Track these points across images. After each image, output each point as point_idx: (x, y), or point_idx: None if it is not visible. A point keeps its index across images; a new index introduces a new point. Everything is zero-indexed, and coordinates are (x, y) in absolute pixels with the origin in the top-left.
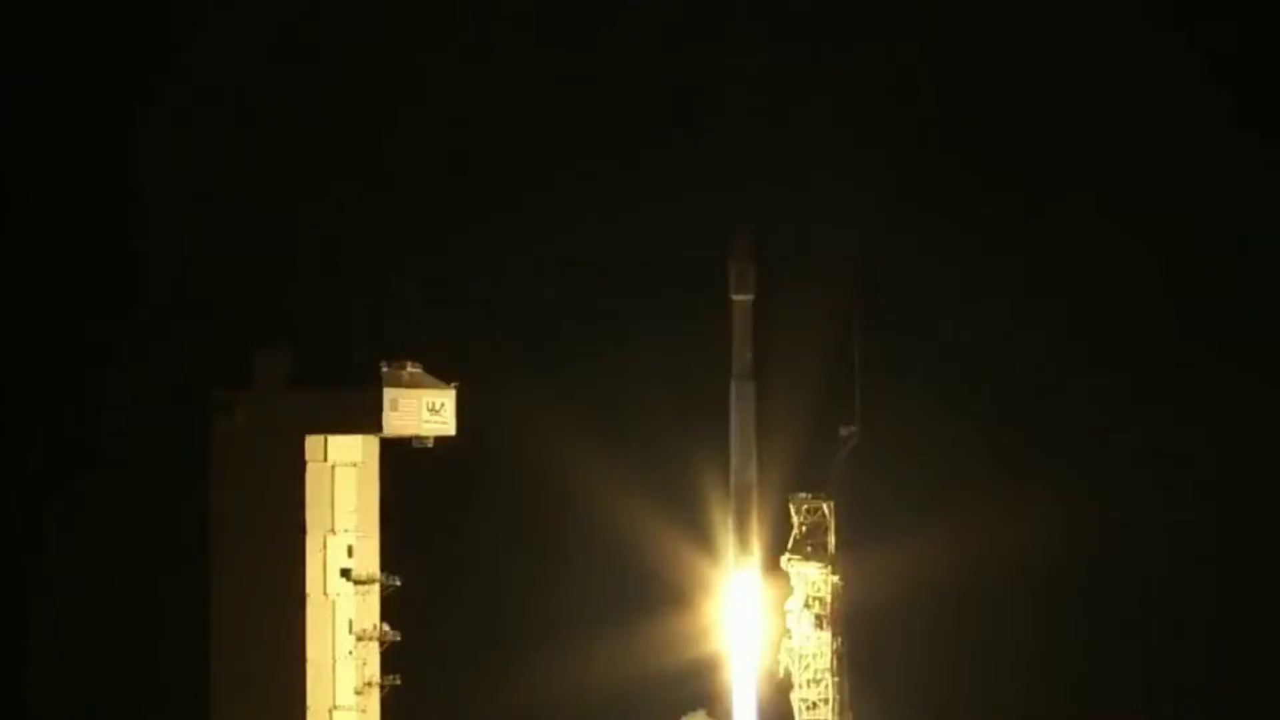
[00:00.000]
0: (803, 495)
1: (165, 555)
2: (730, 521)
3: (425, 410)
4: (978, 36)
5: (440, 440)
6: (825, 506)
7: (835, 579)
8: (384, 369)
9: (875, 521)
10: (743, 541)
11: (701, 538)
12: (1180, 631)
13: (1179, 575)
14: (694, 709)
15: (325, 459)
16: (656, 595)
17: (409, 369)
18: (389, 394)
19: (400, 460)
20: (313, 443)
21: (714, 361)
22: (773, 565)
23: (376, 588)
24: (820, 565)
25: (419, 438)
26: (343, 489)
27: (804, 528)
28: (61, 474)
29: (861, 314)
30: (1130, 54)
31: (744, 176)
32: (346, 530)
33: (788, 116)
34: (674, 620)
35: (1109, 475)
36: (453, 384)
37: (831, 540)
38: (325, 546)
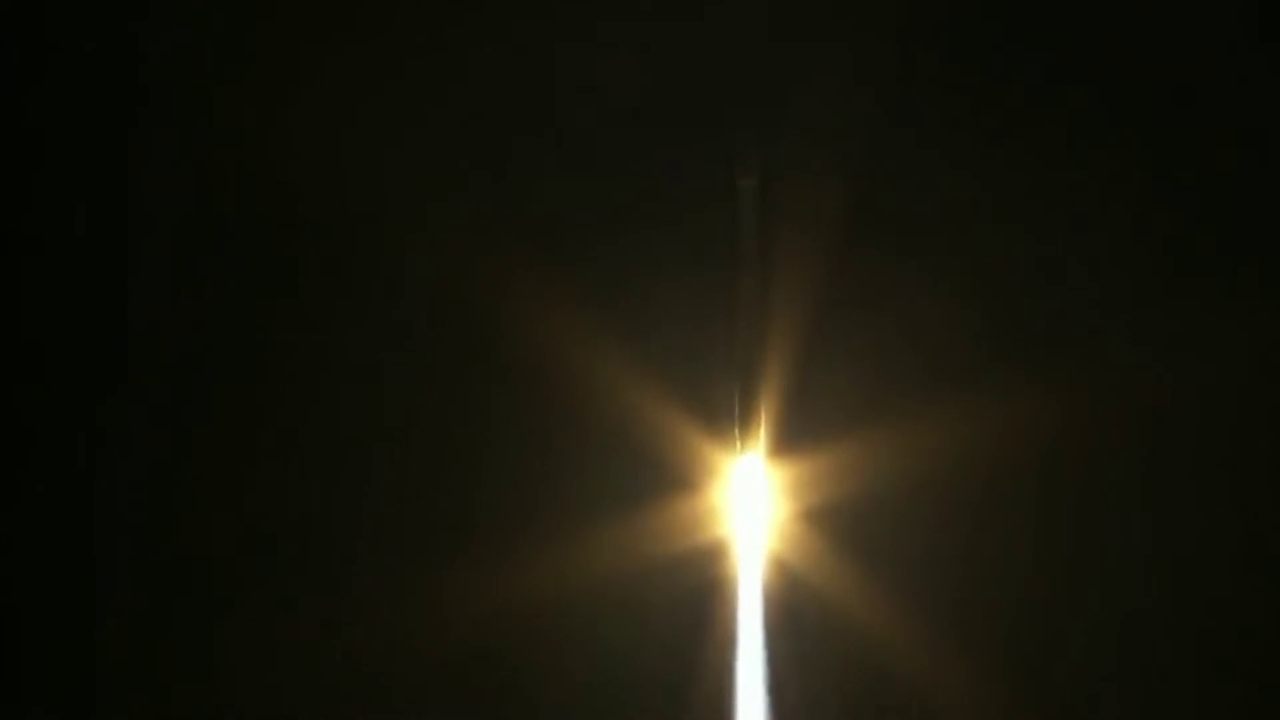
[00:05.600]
0: None
1: None
2: (736, 407)
3: None
4: None
5: None
6: None
7: None
8: None
9: (863, 407)
10: (748, 425)
11: (707, 421)
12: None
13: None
14: (700, 597)
15: None
16: (659, 479)
17: None
18: None
19: None
20: None
21: (721, 248)
22: (778, 449)
23: None
24: None
25: None
26: None
27: None
28: None
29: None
30: None
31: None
32: None
33: None
34: (677, 505)
35: (1105, 364)
36: None
37: None
38: None
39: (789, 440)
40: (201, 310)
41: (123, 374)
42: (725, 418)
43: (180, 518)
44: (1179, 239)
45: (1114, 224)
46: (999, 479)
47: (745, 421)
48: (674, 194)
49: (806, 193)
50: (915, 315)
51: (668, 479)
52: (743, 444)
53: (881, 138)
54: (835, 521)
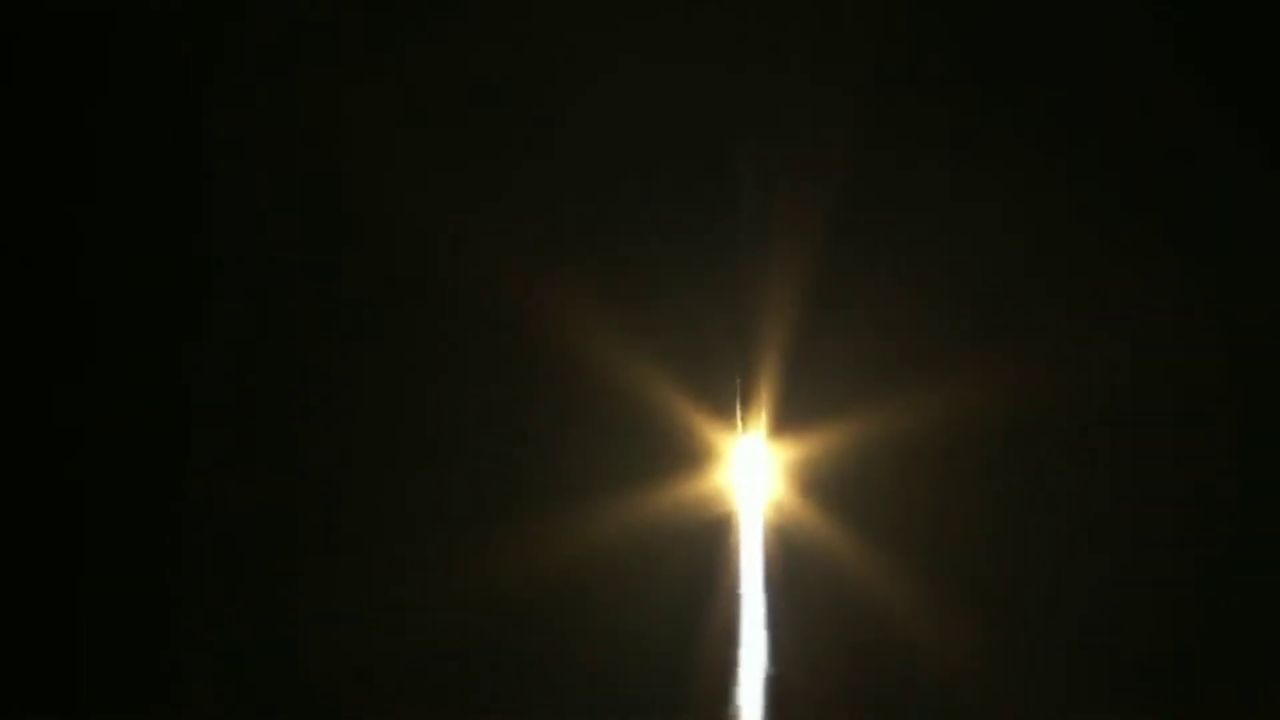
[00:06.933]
0: None
1: None
2: (738, 394)
3: None
4: None
5: None
6: None
7: None
8: None
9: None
10: (749, 410)
11: (713, 407)
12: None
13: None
14: (707, 562)
15: None
16: (671, 458)
17: None
18: None
19: None
20: None
21: (723, 258)
22: (776, 431)
23: None
24: None
25: None
26: None
27: None
28: None
29: None
30: None
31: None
32: None
33: None
34: (687, 480)
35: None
36: None
37: None
38: None
39: (785, 422)
40: (257, 297)
41: (183, 370)
42: (729, 404)
43: (241, 501)
44: (1120, 241)
45: (1063, 232)
46: (969, 448)
47: (747, 407)
48: (681, 214)
49: (798, 208)
50: (892, 312)
51: (678, 458)
52: (745, 426)
53: (863, 160)
54: (827, 492)
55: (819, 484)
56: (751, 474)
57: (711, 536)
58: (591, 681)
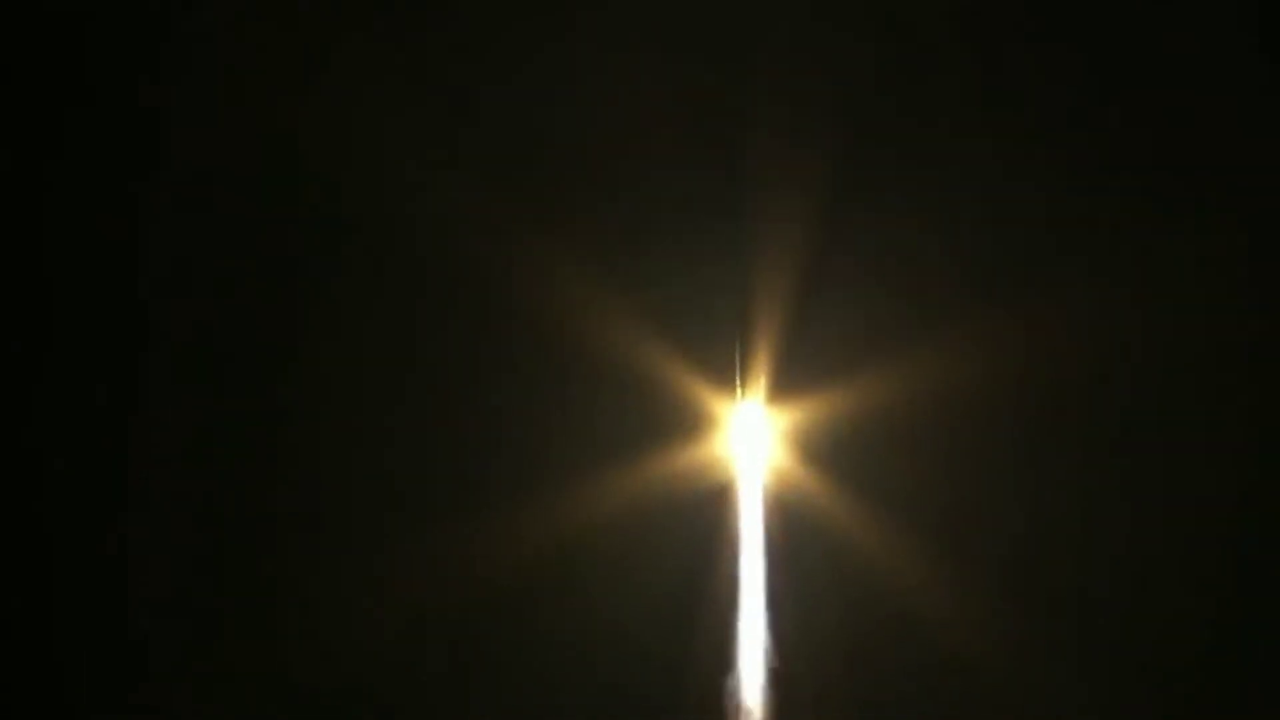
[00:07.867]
0: None
1: None
2: (737, 358)
3: None
4: None
5: None
6: None
7: None
8: None
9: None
10: (748, 375)
11: (711, 372)
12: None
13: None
14: (705, 531)
15: None
16: (667, 424)
17: None
18: None
19: None
20: None
21: (721, 215)
22: (776, 395)
23: None
24: None
25: None
26: None
27: None
28: None
29: None
30: None
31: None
32: None
33: None
34: (684, 448)
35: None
36: None
37: None
38: None
39: (786, 386)
40: (232, 276)
41: (166, 355)
42: (728, 368)
43: (223, 481)
44: (1132, 193)
45: (1072, 184)
46: (975, 410)
47: (746, 370)
48: (679, 166)
49: (800, 161)
50: (899, 273)
51: (675, 424)
52: (744, 391)
53: (869, 114)
54: (829, 457)
55: (822, 451)
56: (751, 441)
57: (709, 511)
58: (585, 677)
